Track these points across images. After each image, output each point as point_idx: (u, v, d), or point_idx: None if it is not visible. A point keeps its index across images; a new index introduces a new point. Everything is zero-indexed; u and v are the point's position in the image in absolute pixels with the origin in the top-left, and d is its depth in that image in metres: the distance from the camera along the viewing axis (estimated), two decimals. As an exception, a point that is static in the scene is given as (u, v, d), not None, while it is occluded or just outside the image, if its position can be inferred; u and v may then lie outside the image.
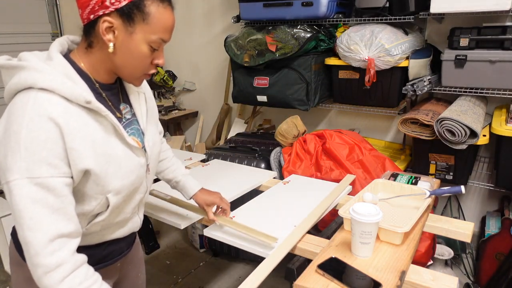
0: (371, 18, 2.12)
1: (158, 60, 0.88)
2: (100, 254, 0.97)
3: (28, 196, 0.73)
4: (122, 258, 1.06)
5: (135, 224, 1.03)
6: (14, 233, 0.95)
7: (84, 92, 0.80)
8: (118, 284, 1.10)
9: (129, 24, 0.80)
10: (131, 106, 0.97)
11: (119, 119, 0.91)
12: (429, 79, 1.99)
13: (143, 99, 1.00)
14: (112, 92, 0.92)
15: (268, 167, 2.04)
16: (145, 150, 0.96)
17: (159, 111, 3.02)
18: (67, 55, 0.86)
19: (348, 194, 1.53)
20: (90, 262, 0.86)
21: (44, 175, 0.74)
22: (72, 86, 0.78)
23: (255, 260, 2.36)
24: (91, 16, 0.80)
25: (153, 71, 0.89)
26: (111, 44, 0.81)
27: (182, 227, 1.28)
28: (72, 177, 0.79)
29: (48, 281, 0.75)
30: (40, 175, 0.74)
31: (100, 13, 0.79)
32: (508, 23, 1.91)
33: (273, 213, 1.33)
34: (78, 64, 0.85)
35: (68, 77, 0.80)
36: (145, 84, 1.03)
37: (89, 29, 0.83)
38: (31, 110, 0.74)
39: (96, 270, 0.88)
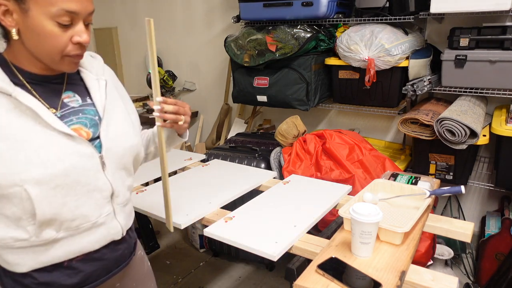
0: (371, 18, 2.12)
1: (77, 37, 0.77)
2: (77, 276, 0.86)
3: None
4: (116, 276, 0.95)
5: (113, 230, 0.90)
6: None
7: None
8: None
9: (21, 1, 0.72)
10: (85, 95, 0.90)
11: (55, 108, 0.84)
12: (429, 79, 1.99)
13: (103, 87, 0.92)
14: (48, 82, 0.85)
15: (268, 167, 2.04)
16: (99, 142, 0.86)
17: (159, 111, 3.01)
18: None
19: (348, 194, 1.53)
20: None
21: None
22: None
23: (255, 260, 2.36)
24: None
25: (77, 51, 0.79)
26: (13, 30, 0.74)
27: (182, 227, 1.28)
28: None
29: None
30: None
31: None
32: (508, 23, 1.91)
33: (273, 213, 1.33)
34: (4, 57, 0.80)
35: None
36: (109, 72, 0.97)
37: None
38: None
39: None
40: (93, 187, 0.84)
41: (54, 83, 0.86)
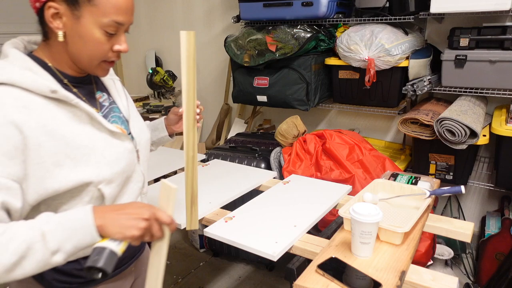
0: (371, 18, 2.12)
1: (119, 46, 0.81)
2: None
3: None
4: (135, 261, 1.03)
5: None
6: None
7: (48, 82, 0.75)
8: (132, 286, 1.08)
9: (74, 8, 0.75)
10: (108, 94, 0.94)
11: (96, 108, 0.88)
12: (429, 79, 1.99)
13: (119, 86, 0.98)
14: (84, 84, 0.88)
15: (268, 167, 2.04)
16: (132, 136, 0.92)
17: (159, 111, 3.02)
18: (30, 54, 0.82)
19: (348, 194, 1.53)
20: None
21: None
22: (33, 76, 0.74)
23: (255, 260, 2.36)
24: (37, 4, 0.76)
25: (114, 58, 0.83)
26: (60, 33, 0.76)
27: (182, 227, 1.28)
28: (18, 181, 0.71)
29: None
30: None
31: None
32: (508, 23, 1.91)
33: (273, 213, 1.33)
34: (42, 59, 0.81)
35: (29, 70, 0.75)
36: (112, 71, 1.00)
37: (41, 18, 0.78)
38: None
39: (112, 277, 0.88)
40: (133, 179, 0.92)
41: (87, 83, 0.90)
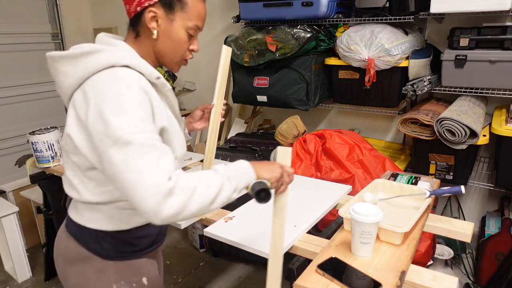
0: (371, 18, 2.12)
1: (194, 46, 1.01)
2: (157, 232, 1.07)
3: (144, 145, 0.79)
4: (162, 243, 1.13)
5: None
6: (75, 230, 0.98)
7: (153, 69, 0.92)
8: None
9: (170, 13, 0.93)
10: None
11: None
12: (429, 79, 1.99)
13: None
14: None
15: (268, 167, 2.04)
16: None
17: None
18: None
19: (348, 194, 1.53)
20: (148, 241, 1.02)
21: (146, 130, 0.82)
22: (146, 63, 0.91)
23: (255, 260, 2.36)
24: (138, 8, 0.92)
25: (189, 56, 1.02)
26: (155, 32, 0.93)
27: (182, 227, 1.28)
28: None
29: (181, 197, 0.79)
30: (144, 130, 0.81)
31: (146, 4, 0.91)
32: (508, 23, 1.91)
33: (273, 213, 1.33)
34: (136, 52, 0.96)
35: (137, 58, 0.92)
36: None
37: (136, 20, 0.94)
38: (122, 80, 0.84)
39: (150, 251, 1.04)
40: (183, 164, 1.12)
41: None
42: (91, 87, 0.85)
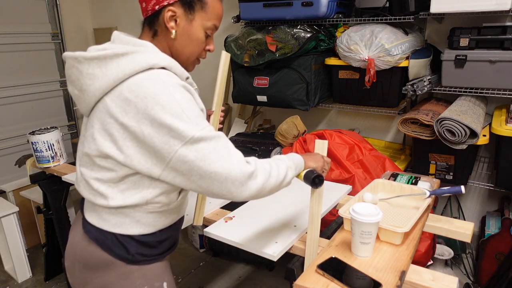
0: (371, 18, 2.12)
1: (209, 46, 1.01)
2: (176, 234, 1.09)
3: (212, 138, 0.84)
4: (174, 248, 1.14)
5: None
6: (97, 236, 0.96)
7: (184, 69, 0.93)
8: None
9: (189, 12, 0.92)
10: None
11: None
12: (429, 79, 1.99)
13: None
14: None
15: (268, 167, 2.04)
16: None
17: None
18: None
19: (348, 194, 1.53)
20: (169, 243, 1.04)
21: (205, 124, 0.86)
22: (178, 64, 0.92)
23: (255, 260, 2.37)
24: (156, 7, 0.91)
25: (204, 56, 1.02)
26: (173, 31, 0.92)
27: (182, 227, 1.28)
28: None
29: (261, 179, 0.89)
30: (205, 125, 0.85)
31: (165, 3, 0.90)
32: (508, 23, 1.91)
33: (273, 213, 1.33)
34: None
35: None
36: None
37: (153, 19, 0.94)
38: (168, 82, 0.84)
39: (169, 254, 1.05)
40: None
41: None
42: (134, 91, 0.82)
